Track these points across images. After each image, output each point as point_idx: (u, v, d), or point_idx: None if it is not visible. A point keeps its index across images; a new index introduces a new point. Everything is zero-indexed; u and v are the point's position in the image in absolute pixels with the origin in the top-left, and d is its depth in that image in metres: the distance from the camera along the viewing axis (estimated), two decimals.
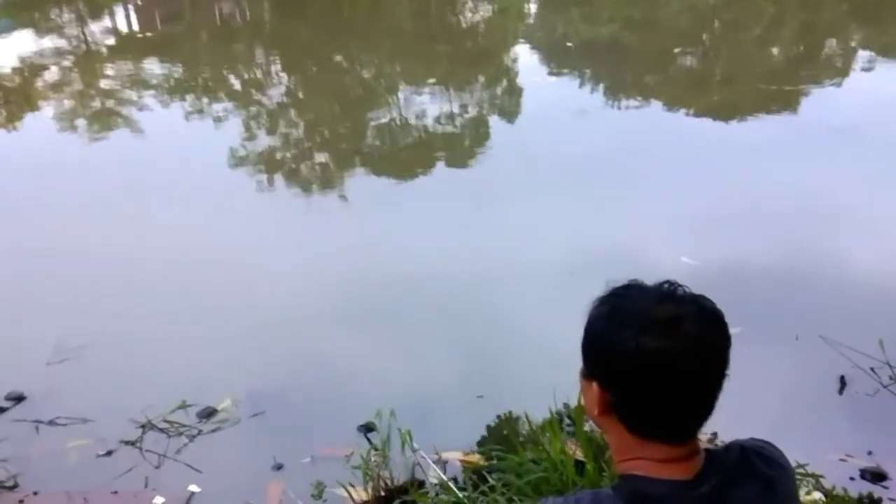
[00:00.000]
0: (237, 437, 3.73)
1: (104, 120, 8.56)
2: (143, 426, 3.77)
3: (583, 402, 1.37)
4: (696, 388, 1.21)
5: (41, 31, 12.87)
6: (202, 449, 3.67)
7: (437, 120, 8.16)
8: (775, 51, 10.66)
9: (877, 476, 3.29)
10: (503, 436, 3.42)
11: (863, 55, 9.80)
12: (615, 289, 1.29)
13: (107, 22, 13.40)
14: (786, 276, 4.75)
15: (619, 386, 1.24)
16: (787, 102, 8.17)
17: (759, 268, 4.82)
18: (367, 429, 3.65)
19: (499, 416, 3.66)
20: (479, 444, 3.49)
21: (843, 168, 6.17)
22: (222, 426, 3.80)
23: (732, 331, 1.24)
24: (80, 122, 8.51)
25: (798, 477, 2.97)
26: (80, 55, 11.41)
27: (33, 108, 9.05)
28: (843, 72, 9.38)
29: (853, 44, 10.64)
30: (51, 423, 3.84)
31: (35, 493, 3.41)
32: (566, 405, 3.46)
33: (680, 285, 1.25)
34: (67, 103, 9.19)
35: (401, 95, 9.22)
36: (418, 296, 4.79)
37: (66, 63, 10.90)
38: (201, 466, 3.55)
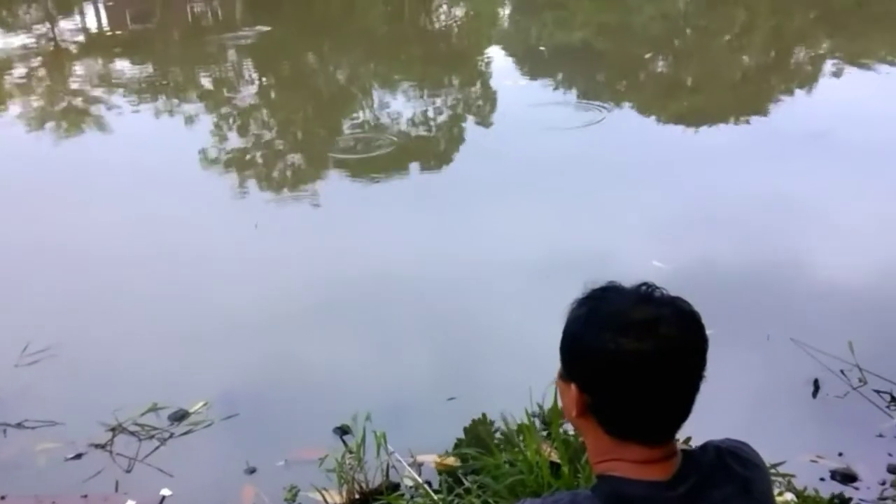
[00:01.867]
0: (209, 440, 3.69)
1: (73, 118, 8.47)
2: (113, 429, 3.72)
3: (560, 403, 1.38)
4: (673, 389, 1.22)
5: (9, 28, 12.70)
6: (174, 452, 3.62)
7: (411, 122, 8.16)
8: (746, 57, 10.79)
9: (847, 477, 3.33)
10: (479, 438, 3.42)
11: (832, 61, 9.95)
12: (593, 291, 1.30)
13: (76, 20, 13.24)
14: (756, 279, 4.80)
15: (597, 387, 1.24)
16: (757, 108, 8.28)
17: (729, 272, 4.87)
18: (343, 431, 3.64)
19: (474, 420, 3.65)
20: (455, 446, 3.48)
21: (813, 173, 6.26)
22: (194, 429, 3.76)
23: (707, 332, 1.25)
24: (49, 121, 8.41)
25: (771, 478, 3.00)
26: (49, 53, 11.26)
27: (0, 106, 8.92)
28: (813, 78, 9.53)
29: (823, 50, 10.80)
30: (19, 425, 3.78)
31: (2, 498, 3.35)
32: (541, 406, 3.47)
33: (657, 287, 1.26)
34: (36, 102, 9.07)
35: (374, 97, 9.22)
36: (393, 297, 4.79)
37: (35, 61, 10.76)
38: (173, 470, 3.50)
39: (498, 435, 3.45)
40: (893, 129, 7.14)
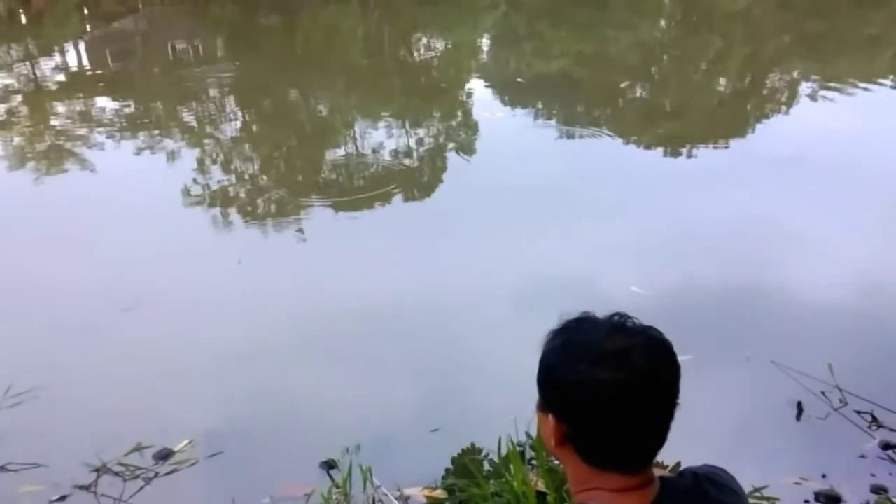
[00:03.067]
0: (195, 479, 3.67)
1: (53, 157, 8.44)
2: (97, 470, 3.69)
3: (541, 433, 1.40)
4: (648, 417, 1.24)
5: None
6: (159, 492, 3.59)
7: (393, 154, 8.21)
8: (722, 83, 10.96)
9: (831, 499, 3.36)
10: (466, 469, 3.42)
11: (806, 85, 10.13)
12: (567, 322, 1.32)
13: (57, 59, 13.27)
14: (735, 303, 4.85)
15: (573, 418, 1.27)
16: (734, 132, 8.40)
17: (708, 296, 4.92)
18: (329, 466, 3.62)
19: (463, 449, 3.66)
20: (443, 477, 3.48)
21: (790, 195, 6.35)
22: (179, 468, 3.74)
23: (682, 358, 1.28)
24: (29, 160, 8.39)
25: (754, 501, 3.02)
26: (30, 93, 11.27)
27: None
28: (788, 102, 9.70)
29: (796, 75, 10.99)
30: (2, 468, 3.73)
31: None
32: (528, 435, 3.48)
33: (630, 317, 1.29)
34: (16, 141, 9.06)
35: (356, 129, 9.27)
36: (377, 329, 4.79)
37: (15, 101, 10.76)
38: None
39: (486, 465, 3.46)
40: (868, 151, 7.27)
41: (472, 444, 3.63)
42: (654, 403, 1.24)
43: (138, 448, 3.82)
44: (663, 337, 1.28)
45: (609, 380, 1.20)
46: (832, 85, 9.89)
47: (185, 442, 3.88)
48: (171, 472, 3.71)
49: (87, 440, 3.83)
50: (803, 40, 12.83)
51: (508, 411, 3.31)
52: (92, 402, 4.17)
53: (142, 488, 3.61)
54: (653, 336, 1.27)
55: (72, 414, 4.09)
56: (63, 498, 3.56)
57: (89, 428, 3.97)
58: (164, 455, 3.80)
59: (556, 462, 3.18)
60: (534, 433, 3.37)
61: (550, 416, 1.30)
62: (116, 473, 3.69)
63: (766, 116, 9.17)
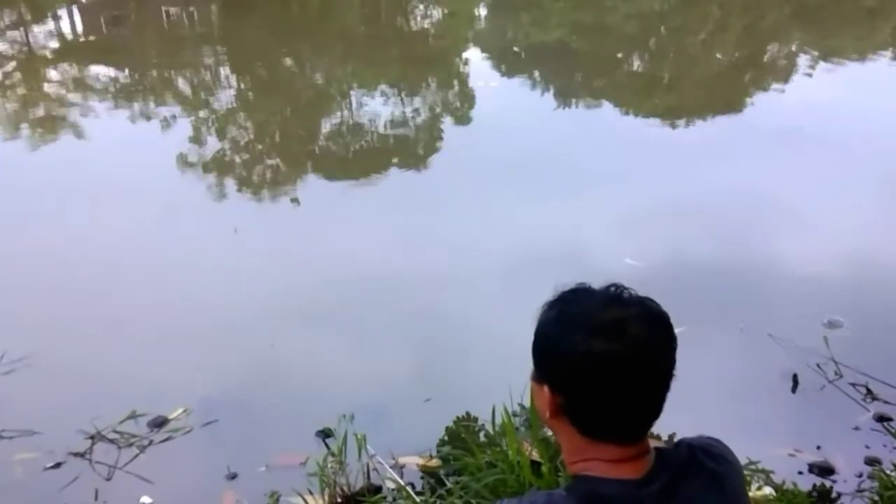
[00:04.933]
0: (189, 447, 3.68)
1: (48, 125, 8.38)
2: (92, 437, 3.70)
3: (535, 405, 1.39)
4: (643, 388, 1.23)
5: None
6: (154, 459, 3.61)
7: (388, 123, 8.16)
8: (720, 55, 10.88)
9: (825, 470, 3.38)
10: (460, 438, 3.43)
11: (805, 58, 10.06)
12: (563, 293, 1.31)
13: (51, 25, 13.11)
14: (731, 275, 4.85)
15: (569, 389, 1.25)
16: (732, 104, 8.35)
17: (703, 268, 4.92)
18: (325, 434, 3.63)
19: (457, 417, 3.67)
20: (438, 446, 3.50)
21: (786, 169, 6.33)
22: (174, 435, 3.74)
23: (677, 330, 1.26)
24: (23, 127, 8.32)
25: (748, 472, 3.03)
26: (23, 59, 11.15)
27: None
28: (787, 75, 9.62)
29: (796, 47, 10.91)
30: None
31: None
32: (521, 405, 3.49)
33: (626, 288, 1.27)
34: (9, 107, 8.98)
35: (352, 98, 9.21)
36: (372, 298, 4.79)
37: (8, 67, 10.66)
38: (153, 477, 3.49)
39: (481, 435, 3.47)
40: (865, 123, 7.23)
41: (467, 414, 3.64)
42: (651, 374, 1.23)
43: (133, 416, 3.83)
44: (660, 308, 1.26)
45: (605, 350, 1.19)
46: (831, 57, 9.82)
47: (180, 410, 3.88)
48: (166, 439, 3.72)
49: (81, 408, 3.84)
50: (804, 10, 12.72)
51: (502, 381, 3.31)
52: (86, 370, 4.16)
53: (136, 456, 3.63)
54: (649, 307, 1.26)
55: (66, 382, 4.09)
56: (58, 465, 3.57)
57: (83, 396, 3.98)
58: (159, 423, 3.81)
59: (550, 433, 3.19)
60: (527, 403, 3.38)
61: (545, 387, 1.29)
62: (111, 441, 3.70)
63: (764, 88, 9.10)
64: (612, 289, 1.27)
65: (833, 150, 6.65)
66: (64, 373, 4.15)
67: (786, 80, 9.33)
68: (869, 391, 3.78)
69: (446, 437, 3.58)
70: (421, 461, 3.44)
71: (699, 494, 1.28)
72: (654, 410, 1.26)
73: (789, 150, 6.69)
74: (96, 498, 3.40)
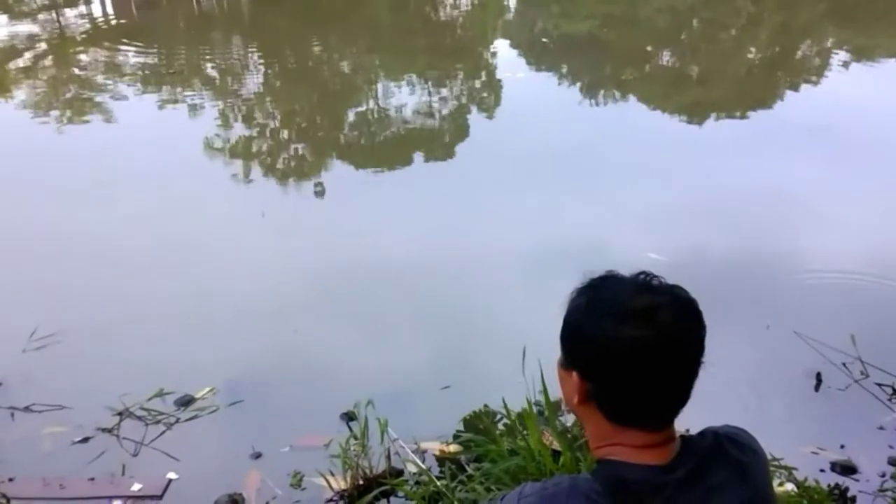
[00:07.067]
0: (215, 426, 3.73)
1: (77, 107, 8.48)
2: (120, 413, 3.76)
3: (561, 391, 1.40)
4: (672, 375, 1.24)
5: (14, 16, 12.72)
6: (180, 437, 3.66)
7: (415, 112, 8.18)
8: (752, 50, 10.77)
9: (847, 469, 3.36)
10: (481, 426, 3.45)
11: (838, 56, 9.93)
12: (593, 280, 1.31)
13: (82, 8, 13.23)
14: (757, 272, 4.82)
15: (598, 375, 1.26)
16: (762, 101, 8.27)
17: (728, 264, 4.89)
18: (349, 417, 3.67)
19: (474, 411, 3.68)
20: (457, 433, 3.52)
21: (815, 166, 6.27)
22: (200, 414, 3.80)
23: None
24: (53, 110, 8.42)
25: (771, 469, 3.03)
26: (54, 41, 11.27)
27: (5, 94, 8.94)
28: (819, 71, 9.51)
29: (829, 44, 10.77)
30: (26, 409, 3.82)
31: (11, 480, 3.39)
32: (545, 392, 3.49)
33: (655, 276, 1.28)
34: (40, 90, 9.09)
35: (379, 87, 9.23)
36: (397, 285, 4.82)
37: (40, 49, 10.78)
38: (179, 454, 3.55)
39: (500, 424, 3.49)
40: None
41: (486, 405, 3.66)
42: (680, 362, 1.24)
43: (160, 394, 3.89)
44: (689, 295, 1.27)
45: (635, 337, 1.20)
46: (866, 55, 9.69)
47: (207, 390, 3.94)
48: (192, 417, 3.78)
49: (109, 385, 3.90)
50: (839, 8, 12.55)
51: (520, 371, 3.32)
52: (115, 348, 4.23)
53: (163, 433, 3.69)
54: (679, 295, 1.26)
55: (95, 359, 4.16)
56: (86, 439, 3.64)
57: (112, 373, 4.04)
58: (186, 401, 3.87)
59: (569, 423, 3.20)
60: (549, 392, 3.39)
61: (574, 374, 1.30)
62: (139, 417, 3.76)
63: (796, 85, 9.01)
64: (642, 276, 1.27)
65: (865, 148, 6.58)
66: (93, 350, 4.23)
67: (818, 77, 9.23)
68: (895, 391, 3.75)
69: (464, 425, 3.60)
70: (442, 447, 3.46)
71: (724, 483, 1.29)
72: (683, 397, 1.26)
73: (820, 147, 6.63)
74: (123, 473, 3.46)
